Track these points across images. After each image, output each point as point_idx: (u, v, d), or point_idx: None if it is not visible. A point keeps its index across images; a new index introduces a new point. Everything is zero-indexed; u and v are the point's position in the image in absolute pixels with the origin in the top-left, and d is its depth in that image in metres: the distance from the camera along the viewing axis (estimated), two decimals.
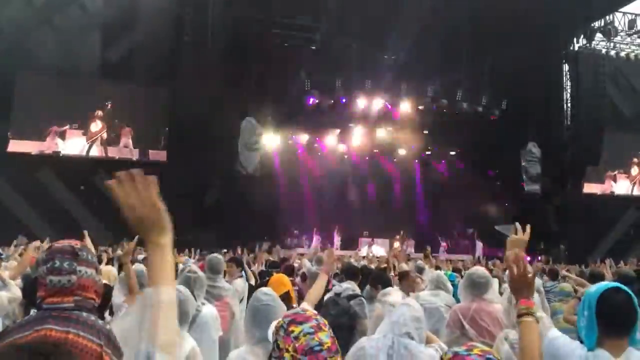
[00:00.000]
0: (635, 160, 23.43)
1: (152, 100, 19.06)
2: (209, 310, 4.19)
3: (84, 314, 1.98)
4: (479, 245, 21.76)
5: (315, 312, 1.79)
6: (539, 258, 14.72)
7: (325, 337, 1.62)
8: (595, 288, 2.25)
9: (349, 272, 5.63)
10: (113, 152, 18.73)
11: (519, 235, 2.46)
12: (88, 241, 3.95)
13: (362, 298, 4.94)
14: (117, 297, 4.40)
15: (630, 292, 2.18)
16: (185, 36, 18.35)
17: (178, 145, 18.11)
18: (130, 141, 18.87)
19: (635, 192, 23.17)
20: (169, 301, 1.35)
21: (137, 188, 1.43)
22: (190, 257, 10.74)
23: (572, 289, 5.67)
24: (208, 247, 12.00)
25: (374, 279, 5.33)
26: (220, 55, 18.52)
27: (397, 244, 19.31)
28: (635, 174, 23.45)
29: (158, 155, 18.93)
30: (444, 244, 21.81)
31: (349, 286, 5.21)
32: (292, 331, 1.65)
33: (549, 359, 2.26)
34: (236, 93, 18.70)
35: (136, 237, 4.86)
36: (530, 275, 2.13)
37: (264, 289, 3.12)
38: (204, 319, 4.05)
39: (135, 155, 18.85)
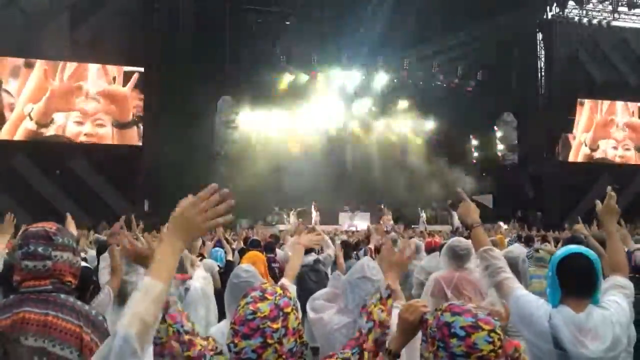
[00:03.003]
0: (604, 127, 23.81)
1: (126, 80, 18.67)
2: (198, 285, 4.25)
3: (62, 295, 1.98)
4: (455, 215, 22.03)
5: (278, 286, 1.77)
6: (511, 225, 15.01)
7: (266, 306, 1.63)
8: (559, 252, 2.38)
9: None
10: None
11: (466, 205, 2.71)
12: (71, 225, 3.93)
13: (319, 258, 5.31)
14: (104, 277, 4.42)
15: (592, 256, 2.30)
16: (155, 13, 17.98)
17: (154, 127, 17.88)
18: (104, 126, 18.49)
19: (606, 158, 23.62)
20: (157, 296, 1.37)
21: (218, 203, 1.49)
22: None
23: (547, 255, 5.82)
24: None
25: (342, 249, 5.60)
26: (192, 33, 18.22)
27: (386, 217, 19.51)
28: (606, 140, 23.87)
29: (135, 137, 18.65)
30: (423, 215, 22.06)
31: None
32: (239, 305, 1.68)
33: (515, 316, 2.39)
34: (211, 71, 18.45)
35: (122, 218, 4.83)
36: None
37: (244, 265, 3.15)
38: (194, 295, 4.12)
39: (110, 139, 18.52)
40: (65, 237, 2.04)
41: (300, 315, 1.76)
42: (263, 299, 1.66)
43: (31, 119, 17.19)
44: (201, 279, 4.42)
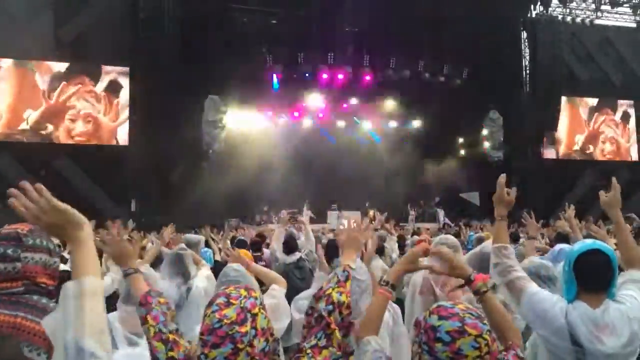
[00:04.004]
0: (587, 125, 24.08)
1: (112, 81, 18.52)
2: (202, 285, 4.23)
3: (35, 297, 1.96)
4: (442, 212, 22.19)
5: (242, 288, 1.76)
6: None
7: (232, 311, 1.61)
8: (576, 248, 2.37)
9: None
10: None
11: (501, 192, 2.74)
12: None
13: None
14: None
15: (610, 252, 2.30)
16: (141, 13, 17.86)
17: (140, 127, 17.78)
18: (89, 126, 18.36)
19: (590, 155, 23.88)
20: (93, 290, 1.36)
21: (32, 198, 1.43)
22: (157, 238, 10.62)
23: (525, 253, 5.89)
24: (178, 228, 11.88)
25: (329, 248, 5.58)
26: (177, 32, 18.13)
27: (371, 213, 19.54)
28: (590, 137, 24.15)
29: (122, 137, 18.52)
30: (412, 213, 22.17)
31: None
32: (205, 314, 1.66)
33: (531, 314, 2.38)
34: (198, 71, 18.38)
35: (92, 223, 4.79)
36: (456, 258, 2.20)
37: (233, 264, 3.16)
38: (197, 295, 4.10)
39: (95, 139, 18.38)
40: (38, 238, 2.01)
41: (285, 315, 1.77)
42: (228, 304, 1.63)
43: (27, 123, 17.29)
44: (205, 279, 4.38)
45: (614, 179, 2.80)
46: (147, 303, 1.99)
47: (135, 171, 17.24)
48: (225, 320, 1.59)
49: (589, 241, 2.43)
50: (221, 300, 1.65)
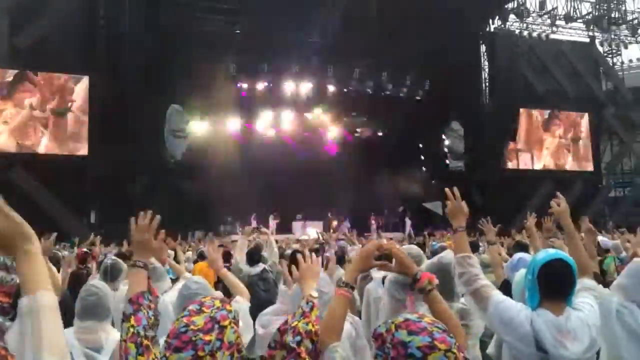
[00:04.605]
0: (544, 136, 24.83)
1: (69, 89, 18.08)
2: (169, 300, 4.13)
3: None
4: (408, 222, 22.43)
5: (218, 299, 1.76)
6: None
7: (201, 319, 1.60)
8: (540, 257, 2.43)
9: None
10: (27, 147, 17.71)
11: (455, 203, 2.76)
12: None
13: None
14: None
15: (570, 261, 2.40)
16: (101, 20, 17.55)
17: (100, 137, 17.40)
18: (47, 136, 17.86)
19: (548, 166, 24.62)
20: (49, 305, 1.29)
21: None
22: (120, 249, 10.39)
23: (490, 259, 6.01)
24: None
25: (293, 260, 5.57)
26: (138, 40, 17.87)
27: (334, 224, 19.57)
28: (547, 149, 24.89)
29: (80, 147, 18.09)
30: (373, 222, 22.32)
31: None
32: (177, 319, 1.66)
33: (497, 321, 2.43)
34: (160, 80, 18.13)
35: (53, 235, 4.68)
36: (405, 256, 2.26)
37: (194, 277, 3.11)
38: (163, 311, 3.99)
39: (53, 149, 17.89)
40: None
41: (247, 328, 1.75)
42: (199, 312, 1.63)
43: None
44: (177, 293, 4.28)
45: (558, 194, 2.89)
46: (137, 303, 1.94)
47: (94, 182, 16.84)
48: (191, 326, 1.57)
49: (551, 251, 2.50)
50: (194, 307, 1.65)
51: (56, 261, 5.67)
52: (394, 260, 2.25)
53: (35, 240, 1.39)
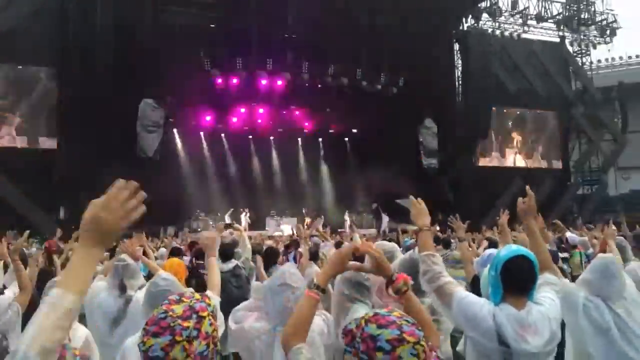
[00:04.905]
0: (515, 134, 25.28)
1: (39, 83, 17.71)
2: (142, 297, 4.06)
3: None
4: (385, 218, 22.52)
5: (198, 293, 1.76)
6: (437, 228, 15.50)
7: (180, 307, 1.61)
8: (503, 253, 2.47)
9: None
10: None
11: (419, 207, 2.75)
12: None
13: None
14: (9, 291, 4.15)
15: (532, 257, 2.44)
16: (71, 11, 17.18)
17: (70, 131, 17.04)
18: (14, 130, 17.45)
19: (518, 163, 25.07)
20: (71, 311, 1.30)
21: (124, 196, 1.42)
22: None
23: (461, 256, 6.11)
24: None
25: (267, 256, 5.59)
26: (110, 33, 17.52)
27: (308, 220, 19.55)
28: (518, 147, 25.34)
29: (49, 142, 17.70)
30: (347, 219, 22.37)
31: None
32: (157, 308, 1.66)
33: (461, 317, 2.45)
34: (132, 74, 17.83)
35: (26, 233, 4.58)
36: (381, 257, 2.25)
37: (162, 273, 3.07)
38: (136, 308, 3.94)
39: (20, 143, 17.48)
40: None
41: (219, 324, 1.74)
42: (179, 301, 1.64)
43: None
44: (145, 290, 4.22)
45: (528, 188, 2.94)
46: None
47: (63, 177, 16.49)
48: (170, 314, 1.58)
49: (514, 247, 2.54)
50: (174, 297, 1.67)
51: (23, 258, 5.54)
52: (366, 259, 2.25)
53: (103, 252, 1.43)
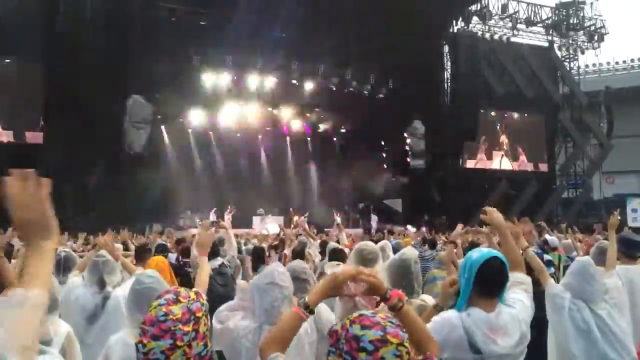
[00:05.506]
0: (502, 137, 25.47)
1: (25, 77, 17.49)
2: (121, 294, 4.04)
3: None
4: (374, 218, 22.56)
5: (193, 291, 1.77)
6: (423, 229, 15.58)
7: (178, 309, 1.64)
8: (476, 257, 2.46)
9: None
10: None
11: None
12: None
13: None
14: None
15: (503, 258, 2.45)
16: (60, 7, 17.01)
17: (56, 126, 16.87)
18: None
19: (505, 166, 25.26)
20: (38, 305, 1.28)
21: (28, 189, 1.37)
22: (74, 242, 10.13)
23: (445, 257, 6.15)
24: (92, 231, 11.33)
25: (255, 256, 5.61)
26: (100, 28, 17.37)
27: (296, 219, 19.47)
28: (505, 149, 25.53)
29: (35, 136, 17.51)
30: (337, 218, 22.32)
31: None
32: (152, 305, 1.68)
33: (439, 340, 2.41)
34: (120, 70, 17.68)
35: (10, 229, 4.54)
36: (375, 280, 2.11)
37: (147, 271, 3.05)
38: (114, 305, 3.92)
39: (6, 137, 17.26)
40: None
41: (209, 322, 1.76)
42: (176, 301, 1.66)
43: None
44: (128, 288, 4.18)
45: (485, 209, 2.90)
46: None
47: (49, 172, 16.29)
48: (170, 316, 1.61)
49: (484, 249, 2.56)
50: (170, 296, 1.69)
51: (9, 253, 5.48)
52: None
53: (54, 240, 1.39)
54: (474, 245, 5.93)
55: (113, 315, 3.89)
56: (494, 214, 2.86)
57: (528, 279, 2.69)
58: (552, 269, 7.86)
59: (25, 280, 1.31)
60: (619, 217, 4.84)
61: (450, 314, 2.44)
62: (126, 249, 6.70)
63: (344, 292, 2.05)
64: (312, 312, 1.97)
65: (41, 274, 1.34)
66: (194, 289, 1.84)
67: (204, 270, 3.13)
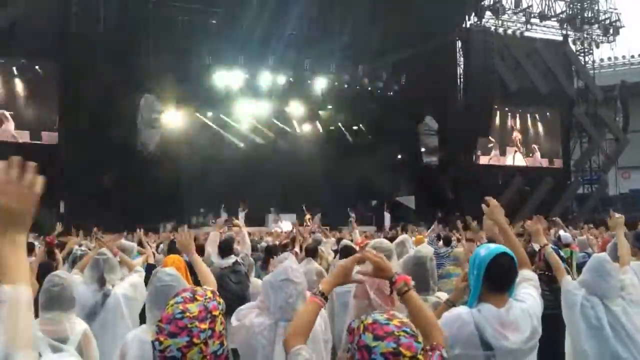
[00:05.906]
0: (516, 132, 25.25)
1: (40, 78, 17.69)
2: (121, 292, 4.09)
3: None
4: (387, 216, 22.53)
5: (209, 290, 1.79)
6: (439, 225, 15.51)
7: (195, 306, 1.64)
8: (485, 253, 2.44)
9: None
10: None
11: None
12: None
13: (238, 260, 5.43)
14: None
15: (512, 254, 2.44)
16: (74, 7, 17.16)
17: (72, 125, 17.05)
18: (11, 125, 17.42)
19: (518, 162, 25.04)
20: (27, 300, 1.29)
21: (21, 178, 1.36)
22: (90, 241, 10.19)
23: (463, 254, 6.12)
24: (108, 230, 11.42)
25: (266, 251, 5.61)
26: (113, 28, 17.54)
27: (309, 216, 19.54)
28: (519, 145, 25.32)
29: (51, 136, 17.70)
30: (353, 215, 22.32)
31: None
32: (169, 304, 1.69)
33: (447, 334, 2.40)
34: (133, 69, 17.83)
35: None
36: (381, 261, 2.24)
37: (166, 269, 3.07)
38: (114, 303, 3.96)
39: (22, 138, 17.46)
40: None
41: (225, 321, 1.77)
42: (193, 299, 1.67)
43: None
44: (129, 286, 4.19)
45: (489, 199, 2.87)
46: None
47: (64, 171, 16.49)
48: (187, 314, 1.62)
49: (492, 246, 2.55)
50: (187, 294, 1.70)
51: (30, 250, 5.58)
52: (367, 263, 2.24)
53: (25, 235, 1.37)
54: (490, 241, 5.91)
55: (112, 313, 3.95)
56: (495, 209, 2.84)
57: (535, 276, 2.69)
58: (564, 265, 7.84)
59: (7, 275, 1.29)
60: (618, 216, 4.60)
61: (460, 310, 2.44)
62: (141, 247, 6.77)
63: (353, 280, 2.22)
64: (326, 298, 2.14)
65: (21, 267, 1.33)
66: (210, 288, 1.85)
67: (202, 271, 3.15)
